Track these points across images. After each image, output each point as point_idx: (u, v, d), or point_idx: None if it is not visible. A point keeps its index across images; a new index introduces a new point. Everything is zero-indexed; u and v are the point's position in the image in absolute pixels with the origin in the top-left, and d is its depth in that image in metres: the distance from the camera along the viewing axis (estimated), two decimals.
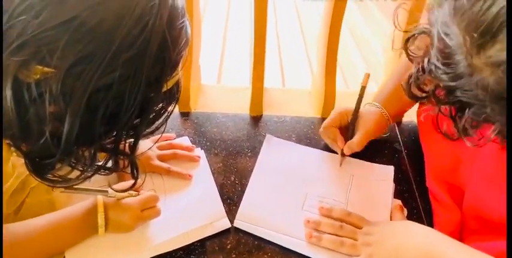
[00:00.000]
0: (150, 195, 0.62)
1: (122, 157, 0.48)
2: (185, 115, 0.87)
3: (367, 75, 0.75)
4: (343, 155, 0.75)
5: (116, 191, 0.64)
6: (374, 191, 0.71)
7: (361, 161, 0.77)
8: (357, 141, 0.72)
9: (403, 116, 0.87)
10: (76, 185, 0.48)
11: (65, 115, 0.39)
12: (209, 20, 2.73)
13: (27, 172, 0.60)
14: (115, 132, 0.44)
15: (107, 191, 0.58)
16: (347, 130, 0.75)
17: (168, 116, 0.49)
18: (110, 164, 0.48)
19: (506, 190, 0.51)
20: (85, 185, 0.66)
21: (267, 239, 0.63)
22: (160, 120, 0.49)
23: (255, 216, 0.66)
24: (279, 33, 2.65)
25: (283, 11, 2.98)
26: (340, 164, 0.75)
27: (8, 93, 0.37)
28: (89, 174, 0.47)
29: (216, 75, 2.14)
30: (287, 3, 3.10)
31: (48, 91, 0.38)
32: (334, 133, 0.75)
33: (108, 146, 0.46)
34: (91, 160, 0.45)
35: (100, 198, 0.59)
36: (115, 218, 0.59)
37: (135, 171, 0.52)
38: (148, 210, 0.62)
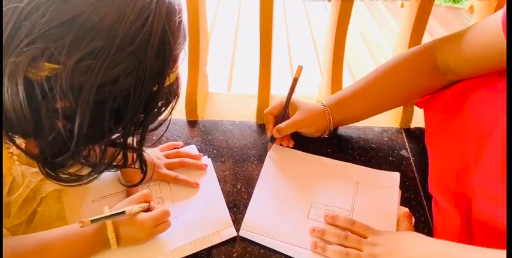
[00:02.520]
0: (162, 211, 0.62)
1: (130, 151, 0.50)
2: (193, 123, 0.88)
3: (300, 68, 0.77)
4: (272, 141, 0.79)
5: (126, 185, 0.68)
6: (379, 199, 0.71)
7: (366, 168, 0.77)
8: (282, 126, 0.75)
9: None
10: (89, 182, 0.49)
11: (75, 109, 0.41)
12: (219, 28, 2.75)
13: (37, 181, 0.63)
14: (123, 127, 0.46)
15: (124, 212, 0.58)
16: (281, 117, 0.78)
17: (171, 112, 0.51)
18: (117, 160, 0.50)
19: (506, 190, 0.50)
20: (96, 188, 0.69)
21: (273, 248, 0.63)
22: (163, 115, 0.51)
23: (260, 225, 0.66)
24: (289, 39, 2.65)
25: (294, 17, 2.98)
26: (268, 150, 0.80)
27: (19, 89, 0.39)
28: (100, 170, 0.49)
29: (226, 83, 2.15)
30: (297, 9, 3.10)
31: (57, 87, 0.39)
32: (269, 119, 0.79)
33: (117, 141, 0.47)
34: (102, 155, 0.47)
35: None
36: (128, 235, 0.59)
37: (143, 165, 0.54)
38: (160, 225, 0.62)
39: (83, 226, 0.55)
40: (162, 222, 0.62)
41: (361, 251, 0.60)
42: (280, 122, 0.77)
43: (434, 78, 0.72)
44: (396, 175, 0.75)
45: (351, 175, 0.75)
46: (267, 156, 0.79)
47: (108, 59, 0.40)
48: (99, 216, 0.57)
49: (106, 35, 0.40)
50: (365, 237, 0.62)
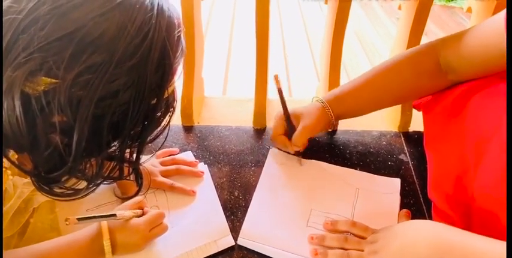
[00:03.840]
0: (156, 214, 0.61)
1: (126, 165, 0.49)
2: (188, 129, 0.87)
3: (276, 76, 0.75)
4: (298, 155, 0.77)
5: (121, 197, 0.67)
6: (380, 205, 0.70)
7: (366, 173, 0.76)
8: (296, 136, 0.74)
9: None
10: (84, 196, 0.48)
11: (73, 124, 0.40)
12: (214, 31, 2.73)
13: (29, 192, 0.61)
14: (121, 140, 0.45)
15: (115, 215, 0.57)
16: (290, 131, 0.76)
17: (167, 124, 0.51)
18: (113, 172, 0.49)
19: (506, 189, 0.50)
20: (93, 199, 0.68)
21: (272, 256, 0.62)
22: (160, 128, 0.50)
23: (259, 233, 0.65)
24: (284, 42, 2.64)
25: (289, 19, 2.97)
26: (300, 164, 0.78)
27: (16, 103, 0.38)
28: (96, 184, 0.48)
29: (221, 87, 2.13)
30: (293, 13, 3.10)
31: (55, 101, 0.39)
32: (282, 140, 0.77)
33: (114, 154, 0.46)
34: (99, 168, 0.46)
35: (104, 224, 0.57)
36: (124, 241, 0.58)
37: (139, 178, 0.53)
38: (156, 228, 0.61)
39: (69, 224, 0.53)
40: (157, 225, 0.61)
41: (363, 251, 0.59)
42: (290, 134, 0.75)
43: (436, 78, 0.71)
44: (397, 181, 0.74)
45: (351, 181, 0.74)
46: (266, 162, 0.78)
47: (107, 74, 0.39)
48: (87, 216, 0.55)
49: (106, 50, 0.39)
50: (365, 238, 0.61)
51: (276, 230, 0.65)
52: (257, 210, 0.69)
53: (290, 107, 0.77)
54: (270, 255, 0.62)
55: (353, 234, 0.63)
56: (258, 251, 0.63)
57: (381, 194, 0.72)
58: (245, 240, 0.64)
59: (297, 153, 0.77)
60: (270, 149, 0.80)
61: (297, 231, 0.65)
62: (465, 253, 0.49)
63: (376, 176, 0.75)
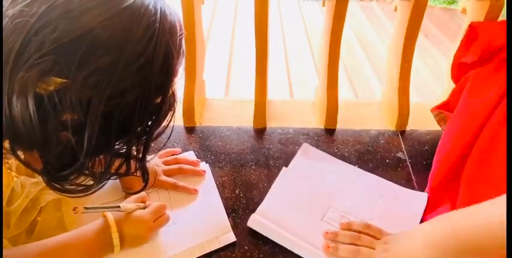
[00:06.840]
0: (158, 205, 0.64)
1: (134, 161, 0.51)
2: (190, 130, 0.89)
3: None
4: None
5: (128, 192, 0.69)
6: (400, 217, 0.69)
7: (394, 184, 0.75)
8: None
9: None
10: (94, 191, 0.50)
11: (84, 122, 0.42)
12: (216, 33, 2.76)
13: (36, 191, 0.63)
14: (128, 138, 0.47)
15: (119, 206, 0.60)
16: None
17: (169, 122, 0.53)
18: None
19: (506, 189, 0.51)
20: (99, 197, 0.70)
21: (280, 243, 0.64)
22: (162, 126, 0.52)
23: (274, 215, 0.67)
24: (285, 43, 2.66)
25: (290, 20, 3.00)
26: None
27: (29, 102, 0.40)
28: (105, 180, 0.50)
29: (223, 89, 2.15)
30: (294, 15, 3.12)
31: (67, 100, 0.40)
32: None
33: (122, 151, 0.48)
34: (107, 165, 0.48)
35: (111, 217, 0.59)
36: (130, 233, 0.60)
37: (145, 174, 0.55)
38: (159, 218, 0.64)
39: (77, 212, 0.56)
40: (160, 216, 0.64)
41: (374, 249, 0.61)
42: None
43: None
44: (423, 195, 0.72)
45: (375, 187, 0.74)
46: (297, 154, 0.80)
47: (116, 74, 0.41)
48: (94, 206, 0.59)
49: (114, 52, 0.41)
50: (378, 239, 0.62)
51: (290, 216, 0.68)
52: (277, 195, 0.71)
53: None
54: (277, 241, 0.64)
55: (367, 234, 0.64)
56: (266, 235, 0.65)
57: (403, 206, 0.71)
58: (258, 219, 0.66)
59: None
60: (304, 144, 0.83)
61: (311, 223, 0.67)
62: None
63: (403, 188, 0.74)
